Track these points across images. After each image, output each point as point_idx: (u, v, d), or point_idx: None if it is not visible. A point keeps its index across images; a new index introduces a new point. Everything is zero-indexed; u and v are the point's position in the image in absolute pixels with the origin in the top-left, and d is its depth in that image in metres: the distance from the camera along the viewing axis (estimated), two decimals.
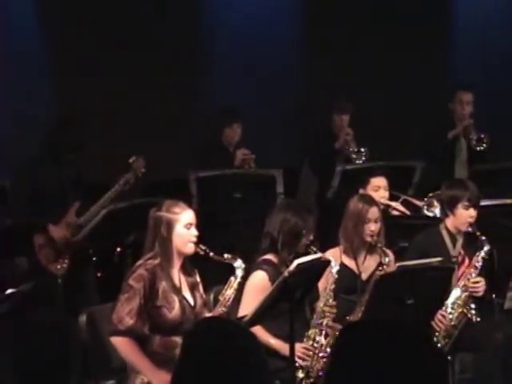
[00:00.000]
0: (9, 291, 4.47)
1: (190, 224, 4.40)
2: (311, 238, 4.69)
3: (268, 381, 2.41)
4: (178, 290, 4.37)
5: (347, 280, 5.04)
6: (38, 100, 7.49)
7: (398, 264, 4.97)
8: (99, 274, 6.33)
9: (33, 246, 5.98)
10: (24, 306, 4.48)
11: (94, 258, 6.29)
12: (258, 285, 4.56)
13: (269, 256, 4.68)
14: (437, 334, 5.03)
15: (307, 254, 4.60)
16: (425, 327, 4.54)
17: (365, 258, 5.16)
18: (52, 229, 6.06)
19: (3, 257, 5.88)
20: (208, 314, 4.38)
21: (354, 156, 7.27)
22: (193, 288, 4.47)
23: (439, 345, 5.02)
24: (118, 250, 5.97)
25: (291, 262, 4.46)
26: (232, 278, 4.43)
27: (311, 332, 4.64)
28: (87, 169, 6.40)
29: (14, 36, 7.75)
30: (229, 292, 4.41)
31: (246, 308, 4.48)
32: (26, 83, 7.65)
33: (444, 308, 5.06)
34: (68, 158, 6.16)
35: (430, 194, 6.13)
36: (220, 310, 4.37)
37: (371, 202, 5.20)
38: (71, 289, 6.06)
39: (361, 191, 5.77)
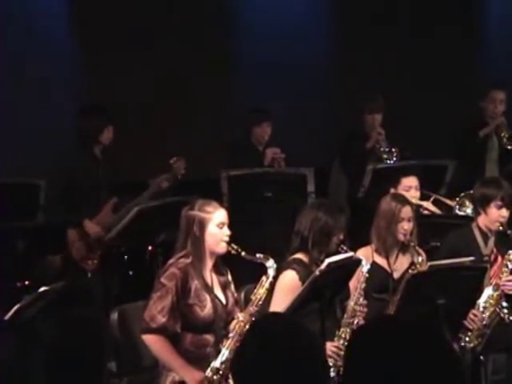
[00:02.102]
0: (41, 289, 4.51)
1: (223, 223, 4.40)
2: (342, 237, 4.68)
3: (328, 381, 2.39)
4: (209, 289, 4.38)
5: (379, 279, 5.03)
6: (72, 101, 7.54)
7: (429, 263, 4.95)
8: (131, 273, 6.36)
9: (66, 242, 6.03)
10: (57, 303, 4.51)
11: (126, 257, 6.33)
12: (288, 284, 4.55)
13: (299, 255, 4.67)
14: (469, 333, 5.00)
15: (338, 253, 4.59)
16: (439, 326, 4.50)
17: (397, 257, 5.14)
18: (87, 224, 6.11)
19: (36, 255, 5.93)
20: (239, 313, 4.38)
21: (386, 156, 7.24)
22: (224, 287, 4.48)
23: (471, 345, 4.99)
24: (149, 248, 6.00)
25: (322, 261, 4.46)
26: (264, 278, 4.43)
27: (342, 331, 4.63)
28: (124, 168, 6.46)
29: (44, 35, 7.81)
30: (260, 291, 4.41)
31: (277, 307, 4.48)
32: (58, 84, 7.70)
33: (476, 307, 5.03)
34: (103, 145, 6.23)
35: (462, 194, 6.10)
36: (252, 309, 4.37)
37: (404, 201, 5.18)
38: (99, 286, 6.11)
39: (392, 191, 5.75)
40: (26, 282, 5.67)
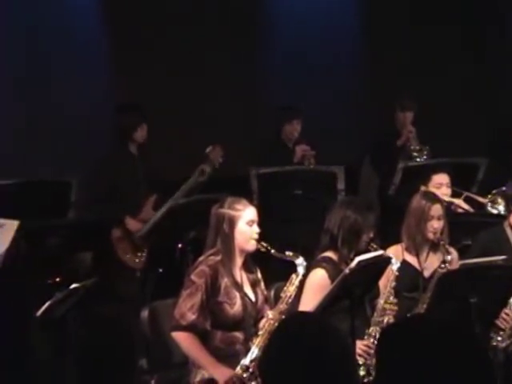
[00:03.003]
0: (72, 286, 4.54)
1: (252, 221, 4.41)
2: (371, 235, 4.66)
3: (357, 380, 2.38)
4: (239, 287, 4.38)
5: (409, 277, 5.01)
6: (103, 101, 7.60)
7: (461, 262, 4.91)
8: (160, 270, 6.38)
9: (103, 238, 6.08)
10: (89, 300, 4.54)
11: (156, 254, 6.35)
12: (318, 283, 4.54)
13: (328, 253, 4.66)
14: (501, 333, 4.96)
15: (367, 251, 4.58)
16: (471, 325, 4.47)
17: (427, 255, 5.11)
18: (129, 221, 6.15)
19: (68, 252, 5.97)
20: (269, 311, 4.38)
21: (416, 153, 7.22)
22: (254, 285, 4.48)
23: (504, 344, 4.95)
24: (179, 246, 6.02)
25: (351, 259, 4.45)
26: (293, 276, 4.43)
27: (372, 329, 4.61)
28: (165, 166, 6.50)
29: (78, 35, 7.86)
30: (290, 289, 4.40)
31: (306, 305, 4.47)
32: (93, 83, 7.76)
33: (508, 307, 4.98)
34: (140, 143, 6.28)
35: (494, 191, 6.05)
36: (281, 306, 4.37)
37: (434, 199, 5.15)
38: (146, 282, 6.15)
39: (422, 188, 5.71)
40: (58, 279, 5.71)
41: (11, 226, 5.45)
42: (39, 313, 4.27)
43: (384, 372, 2.20)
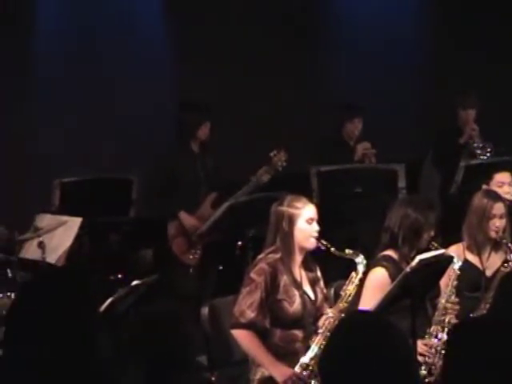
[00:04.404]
0: (134, 283, 4.58)
1: (312, 219, 4.40)
2: (432, 233, 4.62)
3: (418, 379, 2.36)
4: (298, 285, 4.38)
5: (471, 277, 4.95)
6: (166, 100, 7.67)
7: None
8: (221, 267, 6.42)
9: (163, 236, 6.13)
10: (150, 297, 4.58)
11: (217, 251, 6.38)
12: (378, 281, 4.52)
13: (389, 252, 4.63)
14: None
15: (428, 250, 4.54)
16: None
17: (489, 254, 5.05)
18: (184, 217, 6.19)
19: (130, 248, 6.04)
20: (329, 309, 4.38)
21: (479, 151, 7.13)
22: (313, 283, 4.48)
23: None
24: (240, 243, 6.04)
25: (412, 258, 4.41)
26: (353, 274, 4.42)
27: (433, 329, 4.57)
28: (226, 165, 6.54)
29: (142, 35, 7.94)
30: (350, 287, 4.39)
31: (366, 304, 4.45)
32: (154, 82, 7.83)
33: None
34: (202, 142, 6.32)
35: None
36: (341, 305, 4.36)
37: (496, 197, 5.09)
38: (201, 280, 6.19)
39: (484, 187, 5.65)
40: (119, 276, 5.78)
41: (74, 223, 5.54)
42: (102, 309, 4.32)
43: (453, 372, 2.18)
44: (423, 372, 4.51)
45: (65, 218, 5.56)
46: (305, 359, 4.25)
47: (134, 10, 7.94)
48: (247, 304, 4.28)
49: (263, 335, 4.33)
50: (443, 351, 4.51)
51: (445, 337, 4.54)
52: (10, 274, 5.05)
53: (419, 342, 4.44)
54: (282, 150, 6.34)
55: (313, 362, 4.23)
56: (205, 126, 6.42)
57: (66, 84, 7.59)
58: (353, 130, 7.17)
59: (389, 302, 4.31)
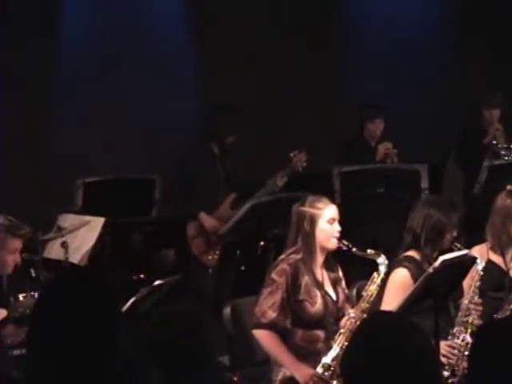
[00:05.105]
0: (156, 283, 4.60)
1: (333, 219, 4.40)
2: (455, 234, 4.60)
3: (441, 380, 2.35)
4: (320, 285, 4.38)
5: (495, 277, 4.92)
6: (189, 100, 7.69)
7: None
8: (243, 268, 6.42)
9: (184, 236, 6.14)
10: (171, 297, 4.59)
11: (238, 252, 6.39)
12: (400, 282, 4.50)
13: (411, 252, 4.61)
14: None
15: (451, 250, 4.52)
16: None
17: None
18: (204, 218, 6.19)
19: (152, 248, 6.06)
20: (350, 310, 4.37)
21: (503, 152, 7.09)
22: (335, 283, 4.47)
23: None
24: (262, 243, 6.04)
25: (434, 258, 4.40)
26: (375, 274, 4.41)
27: (456, 329, 4.55)
28: (242, 167, 6.53)
29: (164, 35, 7.97)
30: (372, 288, 4.38)
31: (388, 305, 4.44)
32: (177, 83, 7.86)
33: None
34: (224, 146, 6.31)
35: None
36: (363, 305, 4.35)
37: None
38: (219, 280, 6.19)
39: (508, 187, 5.61)
40: (142, 275, 5.81)
41: (97, 222, 5.57)
42: (124, 309, 4.34)
43: (478, 374, 2.18)
44: (446, 373, 4.49)
45: (88, 217, 5.58)
46: (326, 359, 4.25)
47: (156, 10, 7.97)
48: (268, 304, 4.28)
49: (285, 335, 4.32)
50: (466, 352, 4.49)
51: (468, 338, 4.52)
52: (33, 274, 5.09)
53: (442, 343, 4.42)
54: (302, 151, 6.33)
55: (334, 362, 4.22)
56: (232, 137, 6.37)
57: (90, 84, 7.63)
58: (374, 130, 7.15)
59: (411, 303, 4.29)
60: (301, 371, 4.23)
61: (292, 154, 6.33)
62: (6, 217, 4.71)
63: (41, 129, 7.55)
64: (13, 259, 4.70)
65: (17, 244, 4.69)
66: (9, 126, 7.39)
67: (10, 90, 7.44)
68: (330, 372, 4.23)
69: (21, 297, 4.70)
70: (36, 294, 4.67)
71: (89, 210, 5.87)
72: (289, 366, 4.28)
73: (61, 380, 2.28)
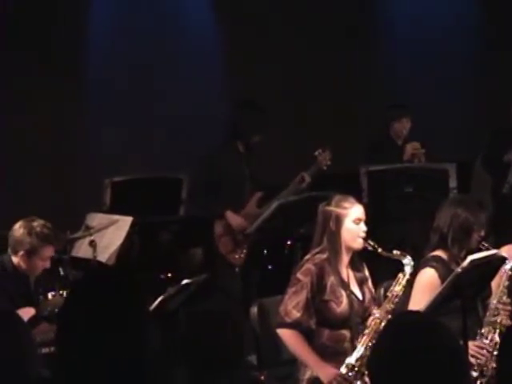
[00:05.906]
0: (184, 282, 4.61)
1: (359, 219, 4.38)
2: (482, 234, 4.57)
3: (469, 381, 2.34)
4: (345, 285, 4.36)
5: None
6: (215, 100, 7.70)
7: None
8: (270, 267, 6.42)
9: (211, 235, 6.14)
10: (199, 296, 4.61)
11: (265, 251, 6.40)
12: (427, 282, 4.48)
13: (438, 252, 4.59)
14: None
15: (479, 250, 4.49)
16: None
17: None
18: (230, 216, 6.19)
19: (179, 247, 6.08)
20: (375, 310, 4.36)
21: None
22: (361, 283, 4.46)
23: None
24: (289, 242, 6.04)
25: (462, 258, 4.37)
26: (400, 275, 4.39)
27: (484, 330, 4.52)
28: (267, 167, 6.54)
29: (191, 35, 8.00)
30: (397, 288, 4.36)
31: (416, 305, 4.41)
32: (203, 83, 7.88)
33: None
34: (250, 145, 6.31)
35: None
36: (388, 306, 4.33)
37: None
38: (246, 279, 6.19)
39: None
40: (169, 275, 5.83)
41: (125, 222, 5.60)
42: (152, 308, 4.36)
43: (507, 374, 2.16)
44: (475, 373, 4.46)
45: (116, 217, 5.61)
46: (351, 360, 4.23)
47: (182, 10, 8.00)
48: (293, 304, 4.28)
49: (310, 335, 4.32)
50: (495, 352, 4.46)
51: (496, 338, 4.49)
52: (62, 273, 5.12)
53: (470, 343, 4.40)
54: (327, 149, 6.31)
55: (358, 362, 4.21)
56: (258, 137, 6.36)
57: (118, 85, 7.68)
58: (401, 129, 7.12)
59: (439, 303, 4.27)
60: (324, 371, 4.22)
61: (317, 153, 6.32)
62: (45, 225, 4.74)
63: (68, 129, 7.60)
64: (43, 265, 4.74)
65: (50, 251, 4.73)
66: (37, 126, 7.45)
67: (36, 90, 7.50)
68: (353, 372, 4.21)
69: (50, 295, 4.74)
70: (65, 293, 4.70)
71: (117, 209, 5.91)
72: (312, 365, 4.27)
73: (88, 379, 2.30)
